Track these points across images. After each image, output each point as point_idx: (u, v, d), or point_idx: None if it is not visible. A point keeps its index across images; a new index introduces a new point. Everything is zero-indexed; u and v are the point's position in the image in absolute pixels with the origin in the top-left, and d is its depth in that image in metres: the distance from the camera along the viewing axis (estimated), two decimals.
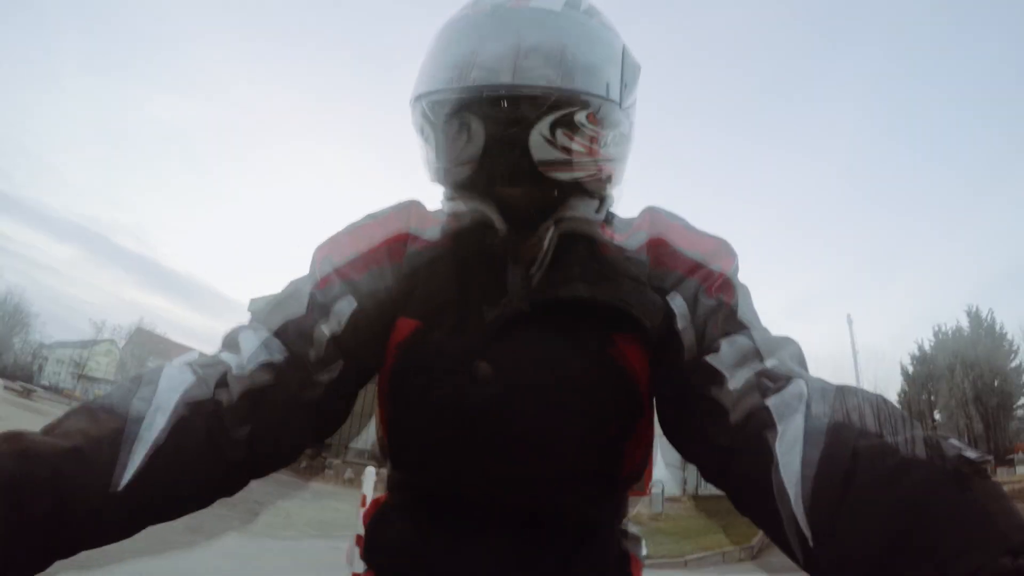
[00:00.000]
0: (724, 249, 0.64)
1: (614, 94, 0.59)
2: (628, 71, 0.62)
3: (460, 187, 0.61)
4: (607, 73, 0.59)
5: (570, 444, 0.58)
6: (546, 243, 0.61)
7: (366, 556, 0.65)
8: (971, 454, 0.36)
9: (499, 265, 0.62)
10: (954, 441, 0.37)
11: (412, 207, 0.69)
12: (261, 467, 0.56)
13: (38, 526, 0.40)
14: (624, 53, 0.63)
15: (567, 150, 0.57)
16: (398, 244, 0.66)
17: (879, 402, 0.43)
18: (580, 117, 0.57)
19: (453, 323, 0.60)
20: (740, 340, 0.55)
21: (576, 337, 0.59)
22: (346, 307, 0.60)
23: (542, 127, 0.56)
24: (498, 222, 0.60)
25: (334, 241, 0.66)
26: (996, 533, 0.32)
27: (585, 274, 0.60)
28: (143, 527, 0.47)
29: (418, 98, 0.60)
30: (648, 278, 0.62)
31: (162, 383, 0.50)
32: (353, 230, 0.67)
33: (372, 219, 0.68)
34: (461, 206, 0.63)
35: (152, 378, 0.50)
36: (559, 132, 0.56)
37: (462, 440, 0.57)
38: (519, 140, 0.56)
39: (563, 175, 0.58)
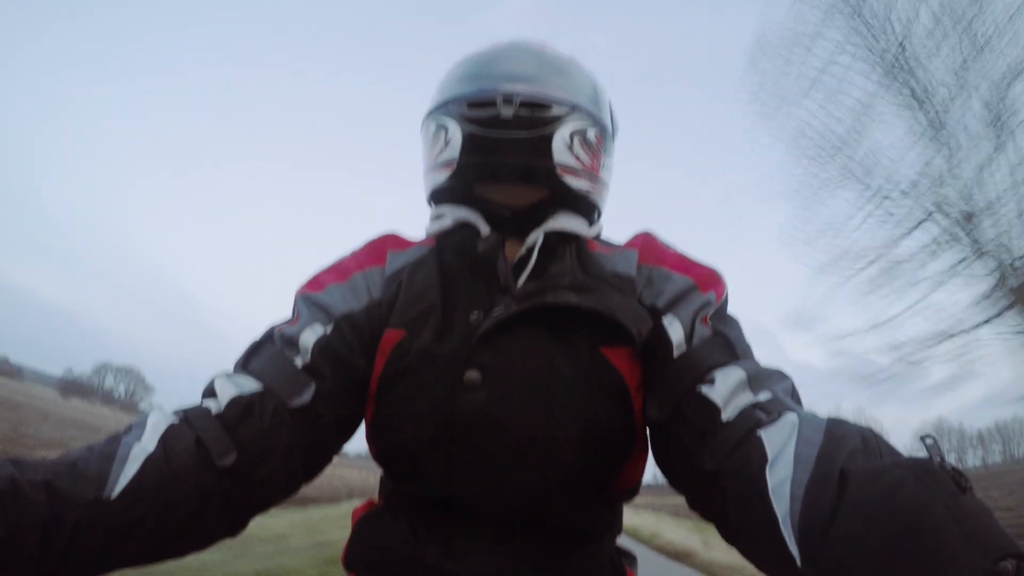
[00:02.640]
0: (716, 277, 0.64)
1: (614, 129, 0.72)
2: (614, 121, 0.74)
3: (443, 189, 0.65)
4: (607, 113, 0.70)
5: (561, 449, 0.57)
6: (534, 250, 0.62)
7: (349, 559, 0.64)
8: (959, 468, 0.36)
9: (483, 270, 0.63)
10: (942, 458, 0.38)
11: (388, 236, 0.71)
12: (255, 495, 0.54)
13: (31, 532, 0.40)
14: (612, 108, 0.73)
15: (579, 159, 0.63)
16: (378, 250, 0.68)
17: (869, 432, 0.43)
18: (591, 135, 0.64)
19: (439, 329, 0.60)
20: (734, 371, 0.54)
21: (565, 343, 0.59)
22: (311, 336, 0.59)
23: (564, 132, 0.61)
24: (482, 226, 0.63)
25: (310, 277, 0.67)
26: (997, 537, 0.32)
27: (573, 283, 0.61)
28: (137, 536, 0.46)
29: (445, 104, 0.64)
30: (639, 297, 0.62)
31: (148, 426, 0.50)
32: (329, 265, 0.68)
33: (348, 253, 0.70)
34: (447, 210, 0.66)
35: (139, 423, 0.52)
36: (576, 140, 0.62)
37: (452, 447, 0.57)
38: (540, 143, 0.61)
39: (573, 181, 0.63)
